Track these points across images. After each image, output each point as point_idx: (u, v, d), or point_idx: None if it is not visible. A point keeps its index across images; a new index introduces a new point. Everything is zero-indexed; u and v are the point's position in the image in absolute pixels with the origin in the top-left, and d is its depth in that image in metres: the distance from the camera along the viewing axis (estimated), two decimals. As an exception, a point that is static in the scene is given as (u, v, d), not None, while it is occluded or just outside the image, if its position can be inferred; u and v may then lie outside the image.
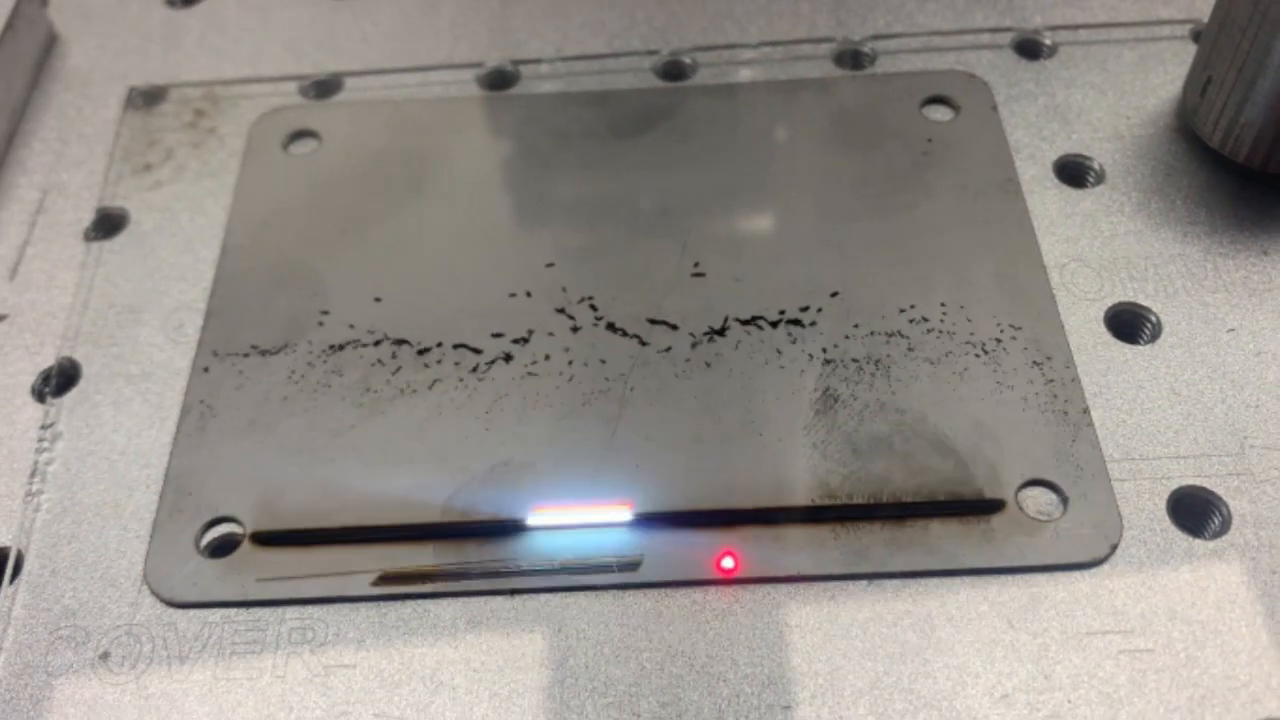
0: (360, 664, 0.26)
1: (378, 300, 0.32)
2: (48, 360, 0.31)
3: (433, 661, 0.26)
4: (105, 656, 0.26)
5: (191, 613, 0.27)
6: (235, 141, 0.36)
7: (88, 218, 0.34)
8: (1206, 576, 0.26)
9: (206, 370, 0.30)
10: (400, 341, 0.31)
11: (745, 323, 0.31)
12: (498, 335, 0.31)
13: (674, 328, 0.31)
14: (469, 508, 0.28)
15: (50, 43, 0.40)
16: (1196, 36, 0.37)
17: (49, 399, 0.30)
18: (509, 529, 0.28)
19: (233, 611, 0.27)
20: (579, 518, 0.28)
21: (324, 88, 0.37)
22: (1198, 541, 0.27)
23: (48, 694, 0.26)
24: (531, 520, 0.27)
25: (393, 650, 0.26)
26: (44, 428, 0.30)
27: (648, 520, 0.28)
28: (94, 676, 0.26)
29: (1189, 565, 0.26)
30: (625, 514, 0.28)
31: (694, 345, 0.30)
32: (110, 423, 0.30)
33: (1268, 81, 0.31)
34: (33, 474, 0.29)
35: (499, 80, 0.37)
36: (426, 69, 0.37)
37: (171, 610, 0.27)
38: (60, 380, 0.31)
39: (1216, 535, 0.27)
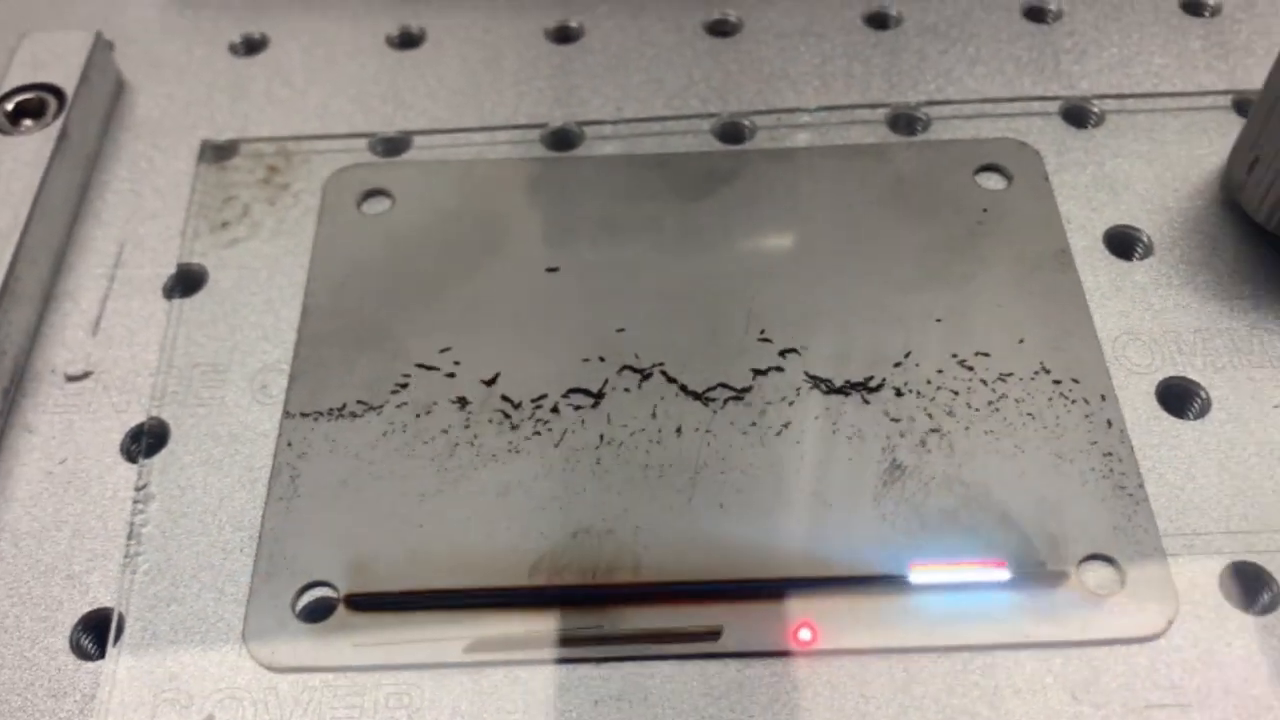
0: (456, 730, 0.27)
1: (456, 364, 0.33)
2: (135, 419, 0.32)
3: (526, 728, 0.27)
4: None
5: (291, 676, 0.28)
6: (310, 199, 0.37)
7: (166, 273, 0.35)
8: (1259, 652, 0.28)
9: (293, 432, 0.31)
10: (479, 408, 0.32)
11: (811, 390, 0.32)
12: (573, 401, 0.32)
13: (743, 394, 0.32)
14: (552, 575, 0.29)
15: (119, 91, 0.40)
16: (1237, 106, 0.38)
17: (140, 459, 0.31)
18: (592, 597, 0.29)
19: (331, 676, 0.28)
20: (658, 587, 0.29)
21: (393, 145, 0.38)
22: (1250, 617, 0.28)
23: (155, 756, 0.27)
24: (615, 589, 0.29)
25: (486, 716, 0.27)
26: (137, 488, 0.31)
27: (725, 590, 0.29)
28: (200, 739, 0.27)
29: (1242, 640, 0.28)
30: (701, 584, 0.29)
31: (762, 413, 0.32)
32: (201, 484, 0.31)
33: (1314, 165, 0.32)
34: (129, 535, 0.30)
35: (563, 141, 0.38)
36: (492, 129, 0.38)
37: (272, 674, 0.28)
38: (151, 441, 0.32)
39: (1268, 611, 0.28)
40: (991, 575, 0.29)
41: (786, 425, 0.31)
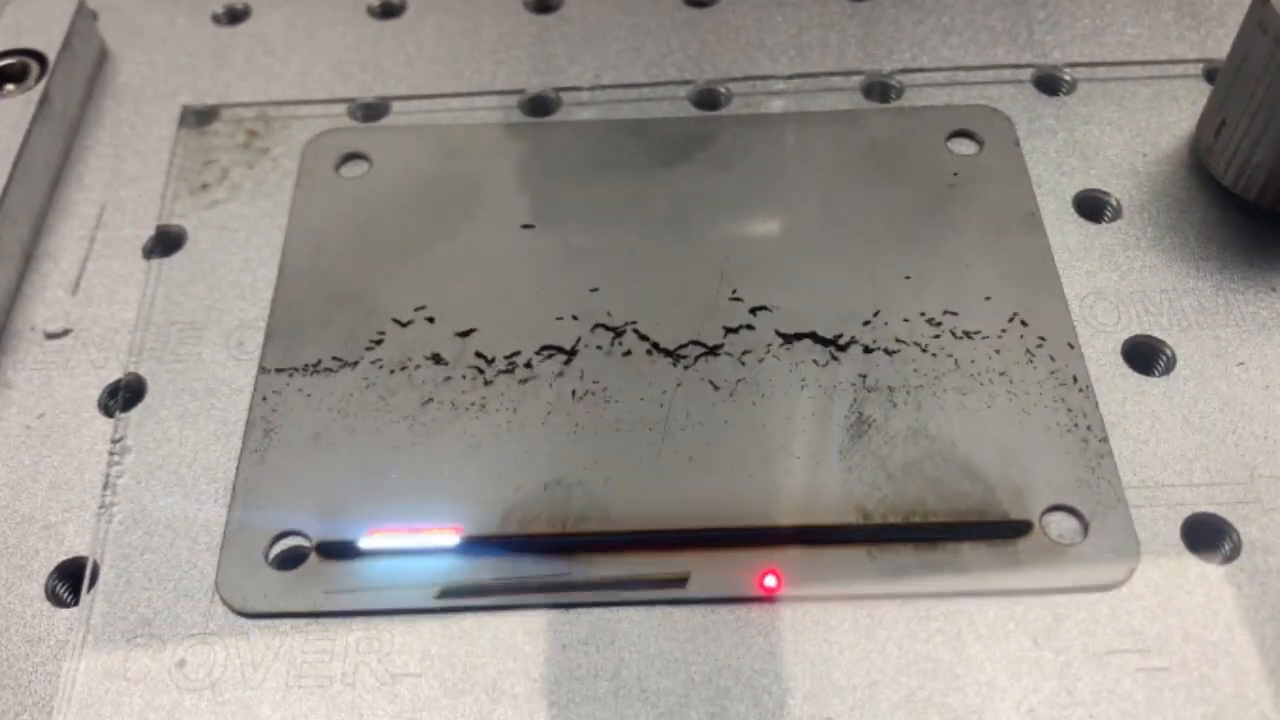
0: (425, 673, 0.27)
1: (430, 321, 0.33)
2: (112, 375, 0.33)
3: (494, 671, 0.27)
4: (182, 664, 0.28)
5: (263, 622, 0.28)
6: (288, 163, 0.37)
7: (146, 234, 0.36)
8: (1218, 599, 0.28)
9: (268, 387, 0.32)
10: (453, 364, 0.32)
11: (781, 347, 0.32)
12: (546, 357, 0.32)
13: (714, 352, 0.32)
14: (523, 524, 0.29)
15: (102, 59, 0.41)
16: (1208, 75, 0.39)
17: (117, 414, 0.32)
18: (562, 545, 0.29)
19: (303, 621, 0.28)
20: (627, 536, 0.29)
21: (372, 111, 0.39)
22: (1210, 566, 0.29)
23: (127, 699, 0.27)
24: (584, 538, 0.29)
25: (455, 660, 0.27)
26: (114, 441, 0.31)
27: (693, 539, 0.29)
28: (171, 683, 0.27)
29: (1202, 588, 0.28)
30: (669, 533, 0.29)
31: (733, 369, 0.32)
32: (177, 438, 0.31)
33: (1279, 127, 0.32)
34: (105, 486, 0.30)
35: (541, 107, 0.39)
36: (470, 95, 0.39)
37: (244, 620, 0.28)
38: (128, 396, 0.32)
39: (1227, 560, 0.29)
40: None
41: (756, 382, 0.32)
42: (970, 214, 0.35)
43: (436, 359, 0.32)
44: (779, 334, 0.33)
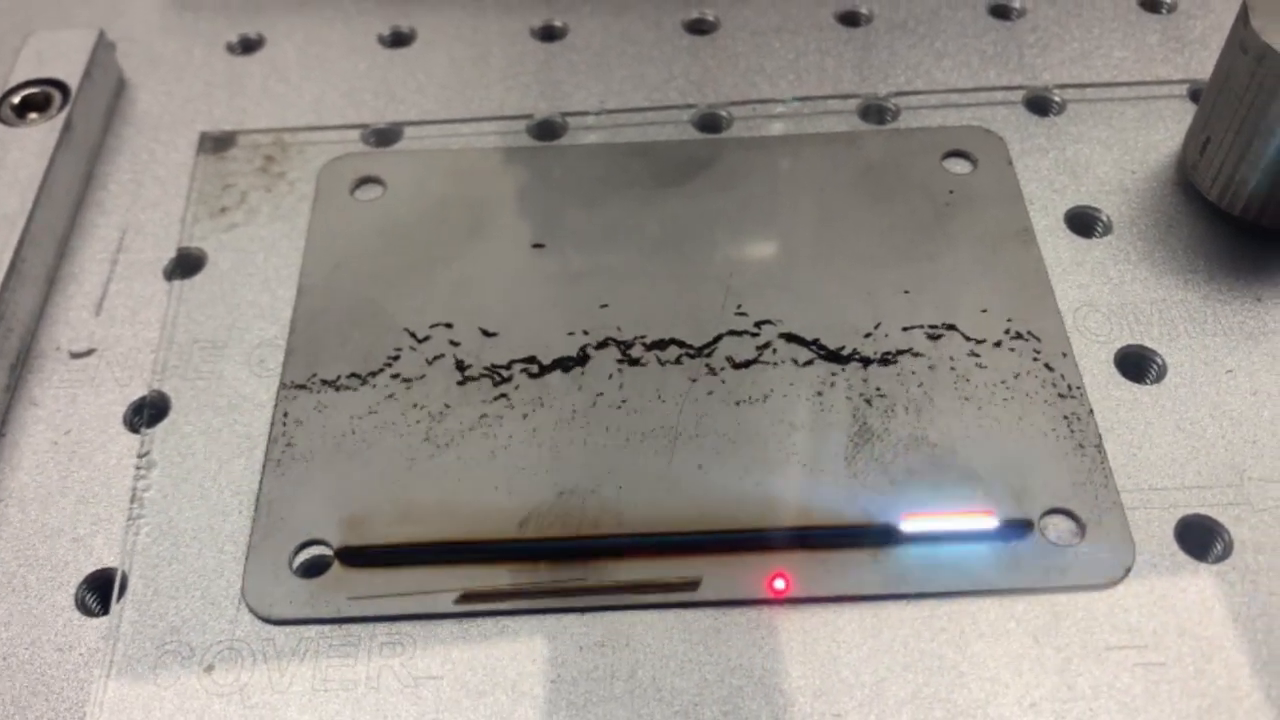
0: (447, 675, 0.28)
1: (446, 338, 0.34)
2: (137, 392, 0.34)
3: (513, 673, 0.28)
4: (210, 669, 0.28)
5: (288, 629, 0.29)
6: (304, 187, 0.38)
7: (166, 257, 0.37)
8: (1211, 597, 0.29)
9: (289, 402, 0.33)
10: (468, 378, 0.33)
11: (786, 359, 0.33)
12: (559, 371, 0.33)
13: (721, 366, 0.33)
14: (539, 531, 0.30)
15: (120, 87, 0.42)
16: (1193, 95, 0.40)
17: (142, 430, 0.33)
18: (577, 551, 0.30)
19: (327, 628, 0.29)
20: (640, 541, 0.30)
21: (385, 136, 0.40)
22: (1203, 565, 0.30)
23: (158, 704, 0.28)
24: (598, 543, 0.30)
25: (476, 663, 0.28)
26: (140, 456, 0.32)
27: (704, 543, 0.30)
28: (200, 688, 0.28)
29: (1195, 587, 0.29)
30: (681, 538, 0.30)
31: (739, 381, 0.33)
32: (201, 452, 0.32)
33: (1262, 143, 0.34)
34: (132, 500, 0.31)
35: (548, 131, 0.40)
36: (480, 120, 0.40)
37: (269, 627, 0.29)
38: (152, 412, 0.33)
39: (1219, 560, 0.30)
40: (979, 523, 0.30)
41: (762, 393, 0.33)
42: (966, 231, 0.36)
43: (451, 373, 0.33)
44: (783, 347, 0.34)
